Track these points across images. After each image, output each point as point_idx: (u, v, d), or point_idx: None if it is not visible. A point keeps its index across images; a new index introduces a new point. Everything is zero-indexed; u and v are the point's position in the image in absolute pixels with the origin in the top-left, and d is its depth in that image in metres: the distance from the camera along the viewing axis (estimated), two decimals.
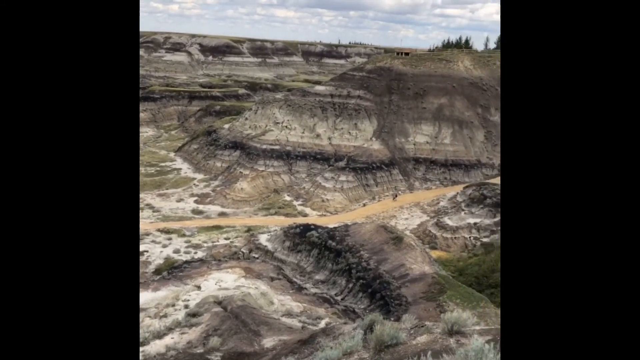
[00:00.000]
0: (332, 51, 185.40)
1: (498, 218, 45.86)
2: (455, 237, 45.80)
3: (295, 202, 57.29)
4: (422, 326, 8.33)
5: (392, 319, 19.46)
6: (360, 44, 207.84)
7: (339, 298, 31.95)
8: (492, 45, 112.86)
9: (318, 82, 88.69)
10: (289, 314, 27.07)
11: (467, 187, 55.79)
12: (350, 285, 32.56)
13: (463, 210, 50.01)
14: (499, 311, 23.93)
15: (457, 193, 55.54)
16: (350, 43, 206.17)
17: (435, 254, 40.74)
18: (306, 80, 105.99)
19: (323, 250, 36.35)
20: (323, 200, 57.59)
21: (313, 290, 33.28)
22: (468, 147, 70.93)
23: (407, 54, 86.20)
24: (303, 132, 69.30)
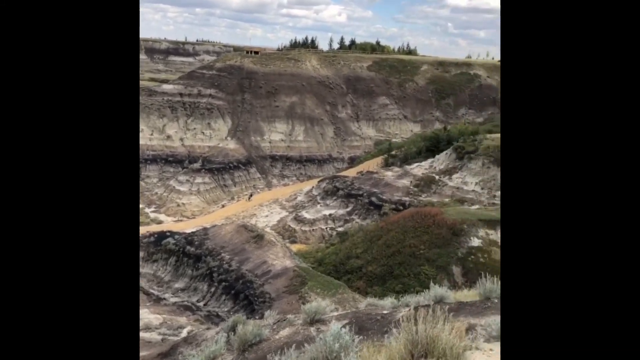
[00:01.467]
0: (178, 49, 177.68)
1: (350, 208, 48.93)
2: (313, 230, 47.66)
3: (147, 210, 53.72)
4: (284, 320, 8.45)
5: (256, 317, 19.46)
6: (209, 41, 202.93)
7: (201, 304, 30.90)
8: (335, 45, 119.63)
9: (165, 81, 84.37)
10: (146, 327, 25.33)
11: (321, 180, 58.41)
12: (213, 289, 31.73)
13: (319, 203, 52.26)
14: (356, 295, 25.56)
15: (312, 187, 57.84)
16: (197, 41, 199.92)
17: (295, 247, 41.88)
18: (152, 79, 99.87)
19: (181, 257, 34.77)
20: (179, 205, 55.05)
21: (173, 300, 31.64)
22: (320, 143, 74.29)
23: (256, 52, 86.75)
24: (152, 134, 65.26)
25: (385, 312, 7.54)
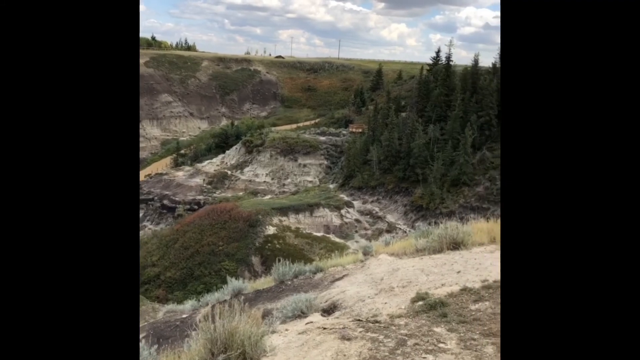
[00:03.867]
0: None
1: (141, 214, 45.82)
2: None
3: None
4: None
5: None
6: None
7: None
8: None
9: None
10: None
11: None
12: None
13: None
14: (156, 304, 24.18)
15: None
16: None
17: None
18: None
19: None
20: None
21: None
22: None
23: None
24: None
25: (184, 316, 7.33)
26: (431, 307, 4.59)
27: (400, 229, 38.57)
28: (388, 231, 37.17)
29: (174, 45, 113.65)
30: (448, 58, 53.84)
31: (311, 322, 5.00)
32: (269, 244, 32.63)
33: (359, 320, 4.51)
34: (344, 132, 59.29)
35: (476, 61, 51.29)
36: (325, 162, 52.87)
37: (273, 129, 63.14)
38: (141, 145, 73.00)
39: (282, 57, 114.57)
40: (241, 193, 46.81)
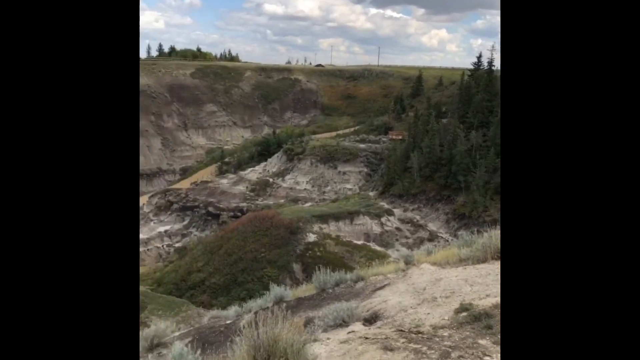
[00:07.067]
0: None
1: (187, 221, 47.16)
2: (148, 250, 44.59)
3: None
4: None
5: None
6: None
7: None
8: (154, 52, 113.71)
9: None
10: None
11: (152, 196, 54.99)
12: None
13: (152, 220, 49.14)
14: (200, 310, 24.77)
15: (143, 204, 54.04)
16: None
17: None
18: None
19: None
20: None
21: None
22: (147, 156, 69.82)
23: None
24: None
25: (228, 322, 7.50)
26: (475, 319, 4.50)
27: (442, 237, 37.82)
28: (429, 240, 36.52)
29: (218, 56, 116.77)
30: (490, 63, 52.62)
31: (353, 331, 5.01)
32: (310, 252, 32.78)
33: (401, 330, 4.48)
34: (384, 139, 58.93)
35: None
36: (365, 170, 52.67)
37: (313, 136, 63.53)
38: (187, 153, 75.28)
39: (322, 66, 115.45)
40: (282, 200, 47.32)
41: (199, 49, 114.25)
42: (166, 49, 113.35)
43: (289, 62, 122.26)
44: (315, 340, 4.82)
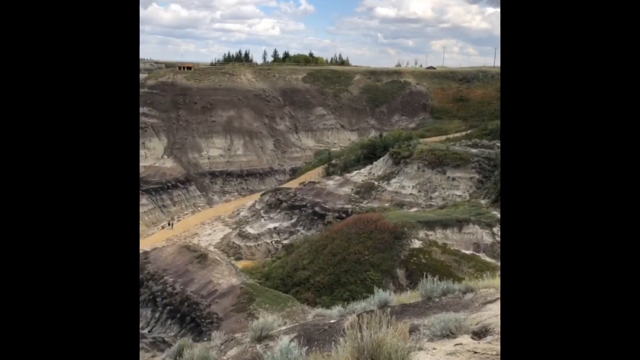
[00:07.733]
0: None
1: (295, 219, 48.91)
2: (258, 245, 47.10)
3: None
4: (232, 339, 8.29)
5: (204, 339, 18.89)
6: (140, 59, 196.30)
7: (145, 331, 29.55)
8: (269, 58, 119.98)
9: None
10: None
11: (263, 194, 57.98)
12: (157, 314, 30.47)
13: (262, 217, 51.80)
14: (305, 307, 25.51)
15: (255, 201, 57.23)
16: None
17: (241, 264, 41.17)
18: None
19: None
20: None
21: None
22: (260, 156, 73.82)
23: (189, 68, 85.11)
24: None
25: (332, 321, 7.61)
26: None
27: None
28: None
29: (328, 60, 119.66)
30: None
31: (460, 343, 4.78)
32: (415, 258, 32.06)
33: None
34: (498, 144, 55.54)
35: None
36: (477, 176, 50.12)
37: (421, 140, 62.01)
38: (296, 155, 78.18)
39: (434, 68, 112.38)
40: (387, 204, 46.91)
41: (311, 54, 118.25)
42: (280, 55, 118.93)
43: (398, 65, 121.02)
44: (420, 349, 4.70)
